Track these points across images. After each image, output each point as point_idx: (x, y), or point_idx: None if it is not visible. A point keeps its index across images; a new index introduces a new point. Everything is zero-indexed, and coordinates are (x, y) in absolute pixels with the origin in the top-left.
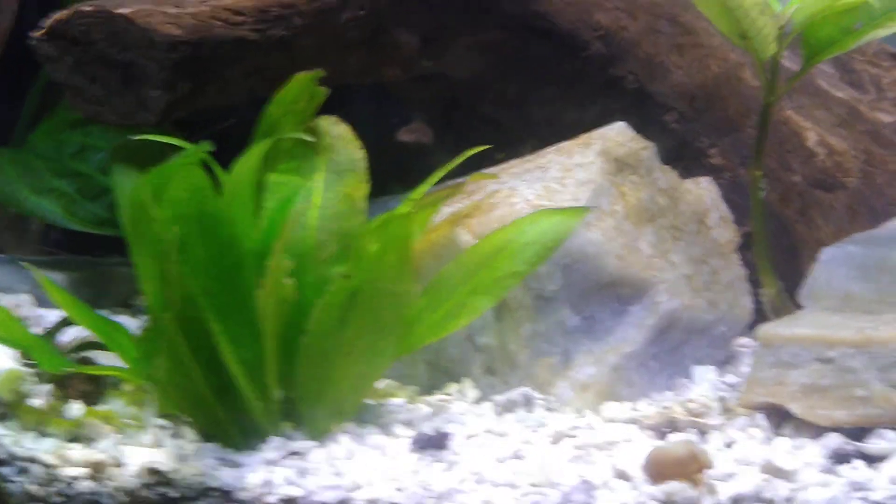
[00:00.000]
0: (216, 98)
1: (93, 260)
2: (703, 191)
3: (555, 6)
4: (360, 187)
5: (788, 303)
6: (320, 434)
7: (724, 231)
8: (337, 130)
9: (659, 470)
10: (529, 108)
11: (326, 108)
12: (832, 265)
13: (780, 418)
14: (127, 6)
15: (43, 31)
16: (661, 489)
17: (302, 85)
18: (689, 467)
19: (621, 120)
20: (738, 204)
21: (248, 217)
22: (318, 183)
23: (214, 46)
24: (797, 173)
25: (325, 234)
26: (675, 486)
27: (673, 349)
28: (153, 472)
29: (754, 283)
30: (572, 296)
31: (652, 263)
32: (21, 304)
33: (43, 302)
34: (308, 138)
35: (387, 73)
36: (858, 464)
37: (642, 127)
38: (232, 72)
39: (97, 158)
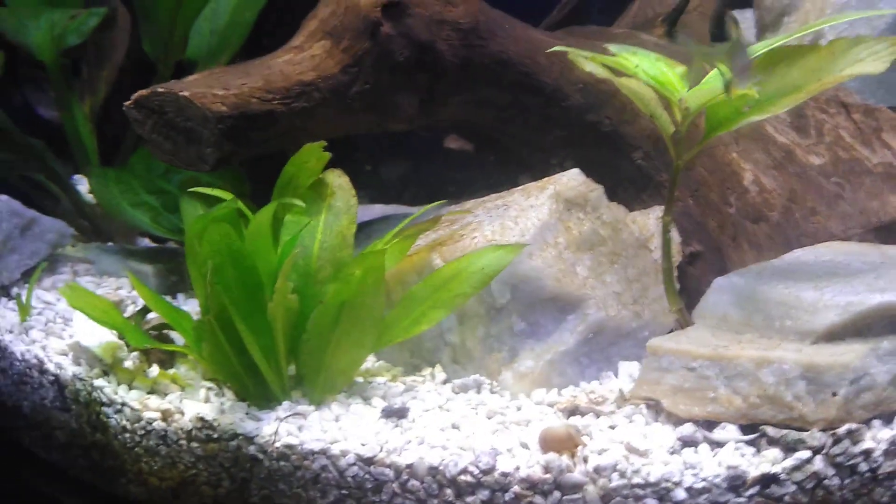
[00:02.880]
0: (254, 153)
1: (178, 250)
2: (650, 219)
3: (540, 66)
4: (351, 226)
5: (689, 318)
6: (318, 402)
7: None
8: (338, 182)
9: (546, 444)
10: (522, 145)
11: None
12: (719, 291)
13: (657, 410)
14: (189, 89)
15: (132, 101)
16: (544, 458)
17: (312, 150)
18: (567, 443)
19: (597, 156)
20: (687, 228)
21: (266, 249)
22: (321, 223)
23: (251, 117)
24: (733, 206)
25: (324, 261)
26: (553, 457)
27: (602, 349)
28: (201, 419)
29: (695, 292)
30: (519, 307)
31: (586, 283)
32: (122, 286)
33: (99, 269)
34: (300, 203)
35: (391, 127)
36: (702, 448)
37: (614, 162)
38: (265, 134)
39: (177, 179)
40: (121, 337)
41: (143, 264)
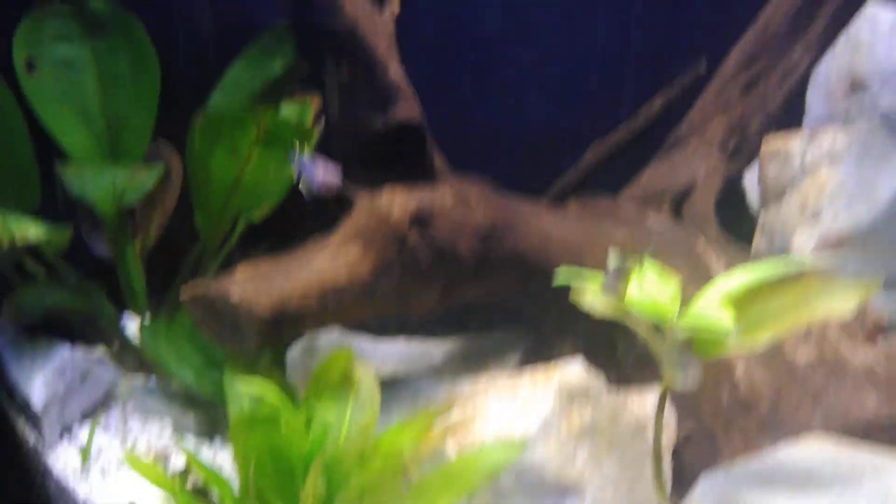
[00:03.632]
0: (292, 339)
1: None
2: (648, 403)
3: (551, 257)
4: (374, 418)
5: None
6: None
7: (663, 436)
8: (365, 377)
9: None
10: (534, 318)
11: None
12: (704, 490)
13: None
14: (237, 293)
15: (186, 296)
16: None
17: (341, 354)
18: None
19: (603, 335)
20: (683, 412)
21: (300, 440)
22: (347, 415)
23: (289, 316)
24: (725, 396)
25: (349, 450)
26: None
27: None
28: None
29: (688, 474)
30: (523, 492)
31: (584, 472)
32: (166, 426)
33: (180, 426)
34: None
35: (412, 313)
36: None
37: (619, 342)
38: (302, 326)
39: None
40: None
41: (185, 411)
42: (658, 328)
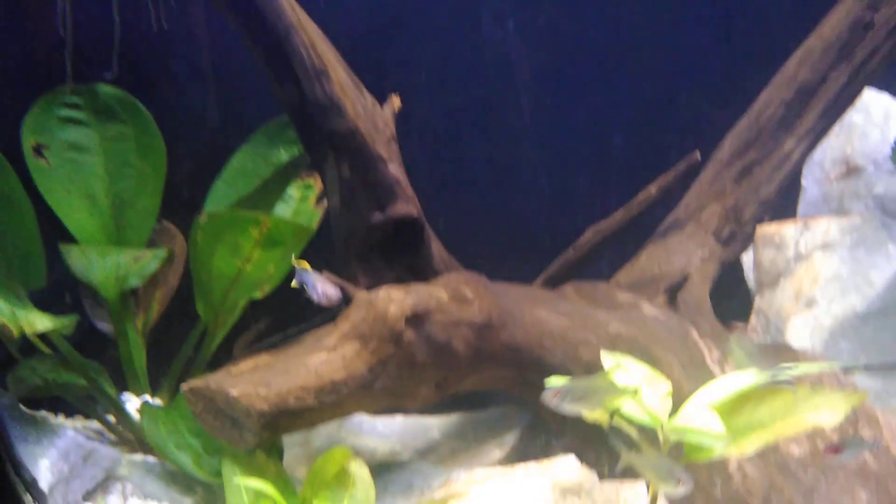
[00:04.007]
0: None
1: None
2: (641, 499)
3: (546, 349)
4: None
5: None
6: None
7: None
8: (360, 473)
9: None
10: (531, 403)
11: None
12: None
13: None
14: (236, 387)
15: (187, 388)
16: None
17: (338, 451)
18: None
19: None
20: (677, 500)
21: None
22: None
23: (287, 412)
24: (718, 488)
25: None
26: None
27: None
28: None
29: None
30: None
31: None
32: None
33: (144, 490)
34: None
35: (409, 406)
36: None
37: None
38: (299, 422)
39: None
40: None
41: (184, 493)
42: (648, 430)
